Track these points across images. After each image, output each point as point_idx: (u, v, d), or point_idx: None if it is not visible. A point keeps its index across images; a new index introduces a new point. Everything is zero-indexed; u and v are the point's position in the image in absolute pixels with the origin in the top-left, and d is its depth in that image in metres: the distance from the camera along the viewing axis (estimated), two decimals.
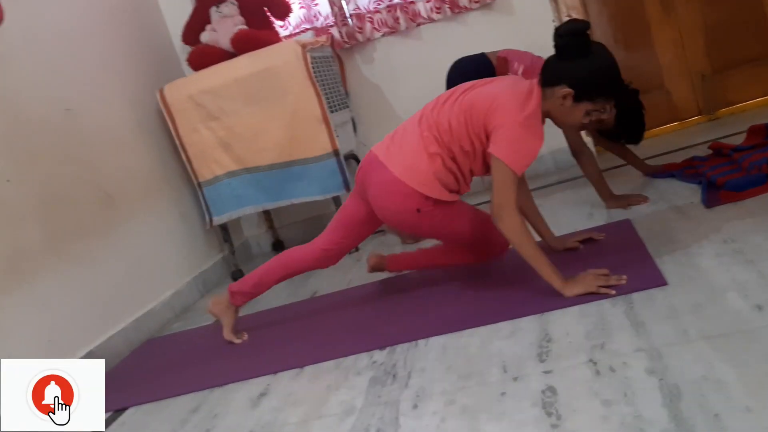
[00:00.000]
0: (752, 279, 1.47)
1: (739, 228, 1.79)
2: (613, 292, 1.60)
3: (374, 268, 2.31)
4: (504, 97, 1.74)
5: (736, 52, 3.23)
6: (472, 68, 2.58)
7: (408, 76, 3.32)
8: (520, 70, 2.52)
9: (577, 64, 1.68)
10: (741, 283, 1.47)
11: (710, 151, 2.60)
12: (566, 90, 1.69)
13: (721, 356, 1.22)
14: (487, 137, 1.74)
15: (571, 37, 1.68)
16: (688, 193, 2.25)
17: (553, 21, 3.17)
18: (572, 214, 2.45)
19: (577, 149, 2.39)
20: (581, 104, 1.71)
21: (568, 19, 2.85)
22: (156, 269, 2.76)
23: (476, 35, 3.19)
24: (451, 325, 1.73)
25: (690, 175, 2.41)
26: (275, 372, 1.80)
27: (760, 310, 1.33)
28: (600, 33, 3.28)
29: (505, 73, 2.54)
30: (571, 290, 1.65)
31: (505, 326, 1.65)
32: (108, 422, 1.82)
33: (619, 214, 2.27)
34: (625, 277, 1.64)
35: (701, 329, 1.33)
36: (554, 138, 2.43)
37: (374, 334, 1.85)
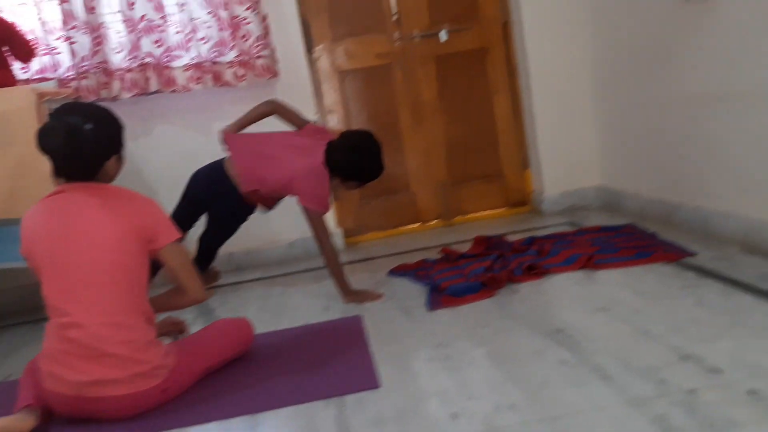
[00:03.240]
0: (453, 386, 1.55)
1: (452, 333, 1.91)
2: None
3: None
4: None
5: (472, 168, 3.60)
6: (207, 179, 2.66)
7: (159, 143, 3.18)
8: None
9: None
10: (443, 390, 1.54)
11: (440, 255, 2.81)
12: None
13: None
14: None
15: None
16: (416, 294, 2.37)
17: (316, 114, 3.27)
18: (309, 305, 2.45)
19: (320, 238, 2.42)
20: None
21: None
22: None
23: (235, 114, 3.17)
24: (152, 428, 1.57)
25: (420, 276, 2.56)
26: None
27: (454, 419, 1.39)
28: None
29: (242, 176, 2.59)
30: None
31: (213, 427, 1.53)
32: None
33: (353, 309, 2.31)
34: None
35: None
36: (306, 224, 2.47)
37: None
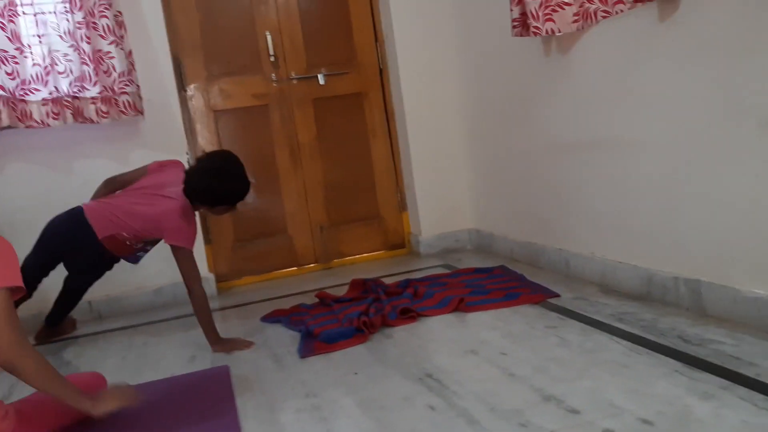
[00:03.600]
0: None
1: (322, 381, 1.86)
2: None
3: None
4: None
5: (350, 210, 3.60)
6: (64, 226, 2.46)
7: (11, 182, 2.95)
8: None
9: None
10: None
11: (316, 300, 2.75)
12: None
13: None
14: None
15: None
16: (289, 341, 2.30)
17: (187, 153, 3.16)
18: (174, 356, 2.31)
19: (188, 281, 2.30)
20: None
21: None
22: None
23: (98, 153, 3.02)
24: None
25: (295, 322, 2.49)
26: None
27: None
28: None
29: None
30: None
31: None
32: None
33: (221, 359, 2.20)
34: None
35: None
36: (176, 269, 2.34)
37: None
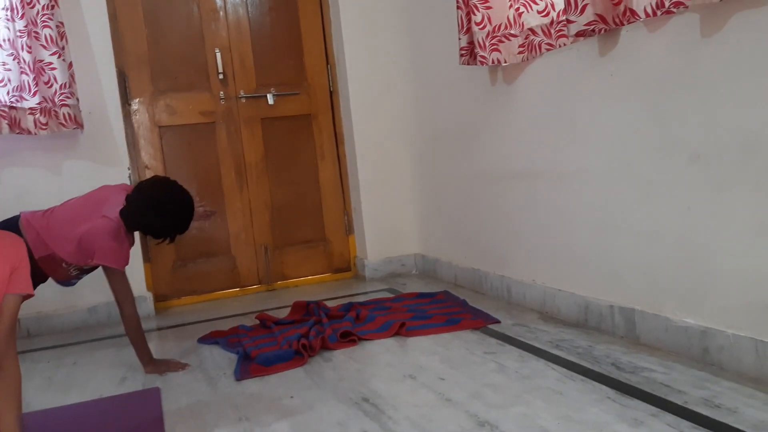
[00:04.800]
0: None
1: (256, 405, 1.81)
2: None
3: None
4: None
5: (296, 232, 3.57)
6: None
7: None
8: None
9: None
10: None
11: (257, 322, 2.70)
12: None
13: None
14: None
15: None
16: (225, 363, 2.24)
17: (129, 168, 3.09)
18: (103, 377, 2.23)
19: (119, 300, 2.22)
20: None
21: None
22: None
23: (35, 163, 2.92)
24: None
25: (233, 344, 2.43)
26: None
27: None
28: None
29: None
30: None
31: None
32: None
33: (154, 381, 2.12)
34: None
35: None
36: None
37: None
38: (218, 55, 3.33)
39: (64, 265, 2.28)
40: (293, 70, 3.50)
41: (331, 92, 3.56)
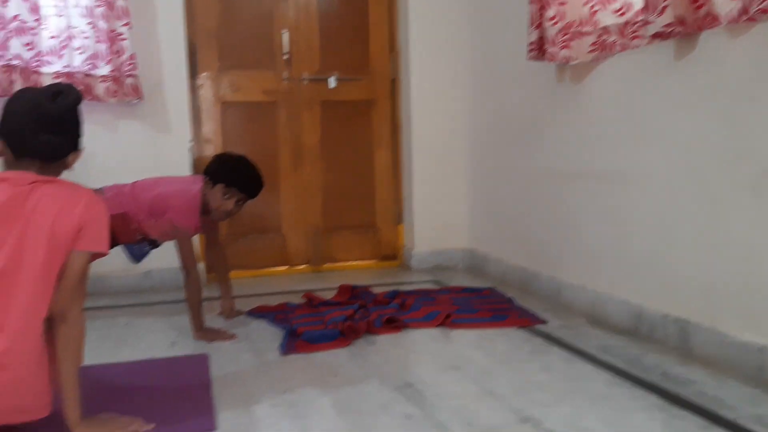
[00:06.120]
0: None
1: (301, 380, 1.84)
2: None
3: None
4: None
5: (346, 217, 3.60)
6: None
7: None
8: None
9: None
10: None
11: (303, 300, 2.74)
12: None
13: None
14: None
15: None
16: (271, 337, 2.28)
17: (190, 141, 3.16)
18: (154, 339, 2.30)
19: (186, 263, 2.29)
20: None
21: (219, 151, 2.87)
22: None
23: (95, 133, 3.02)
24: None
25: (279, 320, 2.48)
26: None
27: None
28: None
29: None
30: (82, 431, 1.45)
31: None
32: None
33: (201, 347, 2.18)
34: (152, 426, 1.51)
35: None
36: (169, 254, 2.33)
37: None
38: (285, 35, 3.37)
39: (132, 227, 2.36)
40: (357, 56, 3.52)
41: (392, 79, 3.57)
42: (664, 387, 1.70)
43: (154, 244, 2.46)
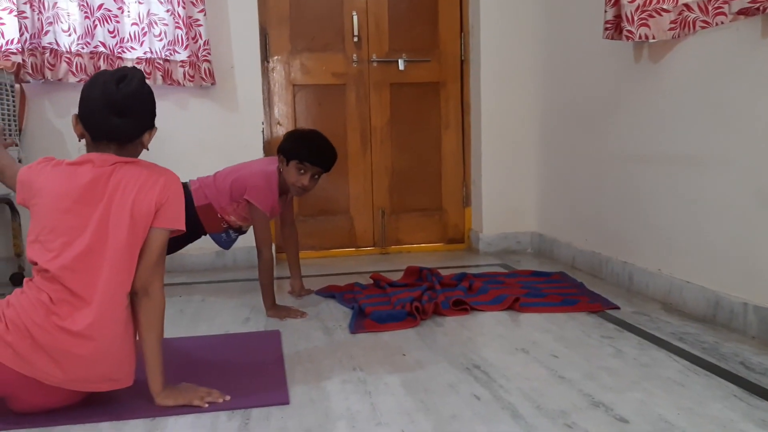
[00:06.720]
0: (363, 411, 1.51)
1: (370, 358, 1.87)
2: (206, 405, 1.53)
3: None
4: None
5: (413, 199, 3.61)
6: None
7: None
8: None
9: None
10: (353, 414, 1.49)
11: (371, 281, 2.78)
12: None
13: None
14: None
15: None
16: (340, 316, 2.33)
17: (263, 123, 3.23)
18: (229, 315, 2.38)
19: (260, 242, 2.35)
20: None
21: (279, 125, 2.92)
22: None
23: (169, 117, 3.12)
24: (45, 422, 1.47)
25: (348, 299, 2.52)
26: None
27: None
28: None
29: None
30: (164, 400, 1.52)
31: (106, 427, 1.44)
32: None
33: (273, 324, 2.25)
34: (228, 397, 1.57)
35: None
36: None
37: None
38: (355, 17, 3.39)
39: (218, 216, 2.44)
40: (426, 37, 3.51)
41: (462, 61, 3.54)
42: (743, 376, 1.64)
43: (240, 231, 2.55)
